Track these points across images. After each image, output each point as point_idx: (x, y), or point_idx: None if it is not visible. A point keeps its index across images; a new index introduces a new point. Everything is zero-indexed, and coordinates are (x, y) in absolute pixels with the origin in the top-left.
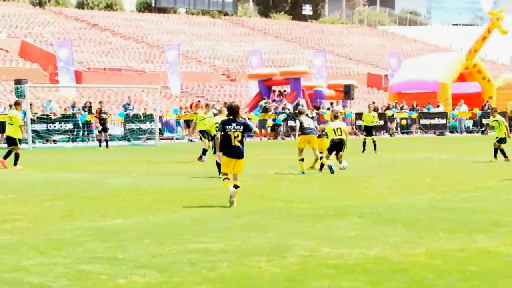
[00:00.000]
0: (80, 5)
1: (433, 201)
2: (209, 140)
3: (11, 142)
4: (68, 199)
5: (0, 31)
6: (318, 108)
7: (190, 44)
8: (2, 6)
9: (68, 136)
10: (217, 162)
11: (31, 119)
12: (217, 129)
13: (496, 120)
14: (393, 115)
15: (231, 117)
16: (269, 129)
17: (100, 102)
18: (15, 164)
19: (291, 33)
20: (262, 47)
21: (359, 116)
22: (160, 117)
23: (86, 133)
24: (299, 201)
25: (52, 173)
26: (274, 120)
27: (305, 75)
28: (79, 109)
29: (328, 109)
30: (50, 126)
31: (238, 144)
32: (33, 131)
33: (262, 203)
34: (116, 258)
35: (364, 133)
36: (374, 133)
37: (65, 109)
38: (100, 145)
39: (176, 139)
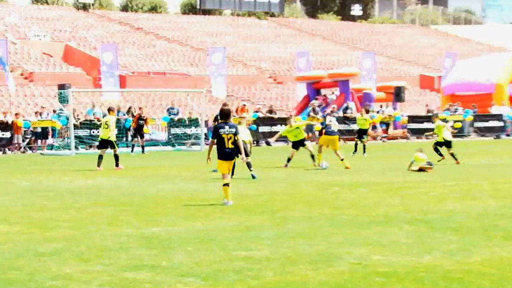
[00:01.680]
0: (124, 8)
1: (489, 208)
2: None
3: (106, 144)
4: (111, 205)
5: (44, 35)
6: (367, 111)
7: (236, 47)
8: (46, 10)
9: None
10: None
11: (74, 125)
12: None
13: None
14: (445, 118)
15: (223, 121)
16: (317, 133)
17: (140, 108)
18: (117, 165)
19: (339, 34)
20: (310, 48)
21: (411, 119)
22: (206, 122)
23: (130, 138)
24: (348, 208)
25: (94, 180)
26: (322, 124)
27: (354, 77)
28: (123, 114)
29: (378, 112)
30: (93, 132)
31: (232, 146)
32: (76, 137)
33: (310, 210)
34: (160, 266)
35: (356, 136)
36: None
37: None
38: (132, 151)
39: None
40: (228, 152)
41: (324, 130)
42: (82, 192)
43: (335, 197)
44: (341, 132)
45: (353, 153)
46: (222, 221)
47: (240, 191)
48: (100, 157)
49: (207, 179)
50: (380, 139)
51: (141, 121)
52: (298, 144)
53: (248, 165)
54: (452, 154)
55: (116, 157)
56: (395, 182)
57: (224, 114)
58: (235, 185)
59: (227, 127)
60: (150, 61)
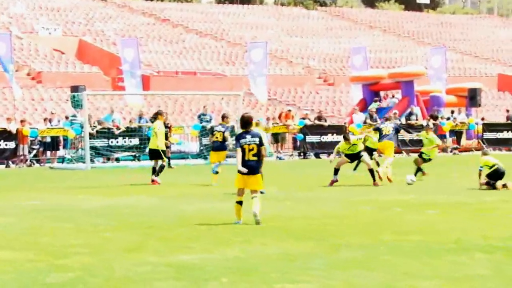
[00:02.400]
0: None
1: None
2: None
3: (155, 155)
4: (133, 229)
5: (54, 28)
6: (435, 118)
7: (280, 42)
8: None
9: (133, 153)
10: None
11: (90, 134)
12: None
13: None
14: None
15: (244, 130)
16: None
17: (163, 114)
18: (155, 176)
19: (402, 26)
20: (367, 43)
21: (488, 127)
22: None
23: None
24: (413, 233)
25: (114, 199)
26: (376, 129)
27: (419, 77)
28: (146, 121)
29: (448, 118)
30: (111, 142)
31: (254, 158)
32: (91, 148)
33: (368, 235)
34: None
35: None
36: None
37: (130, 121)
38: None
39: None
40: (248, 165)
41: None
42: (98, 213)
43: (398, 220)
44: (404, 143)
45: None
46: (263, 247)
47: (285, 212)
48: (154, 169)
49: (245, 197)
50: (451, 151)
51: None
52: (353, 157)
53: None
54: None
55: (160, 168)
56: (469, 202)
57: (245, 122)
58: (279, 206)
59: (248, 137)
60: (178, 58)
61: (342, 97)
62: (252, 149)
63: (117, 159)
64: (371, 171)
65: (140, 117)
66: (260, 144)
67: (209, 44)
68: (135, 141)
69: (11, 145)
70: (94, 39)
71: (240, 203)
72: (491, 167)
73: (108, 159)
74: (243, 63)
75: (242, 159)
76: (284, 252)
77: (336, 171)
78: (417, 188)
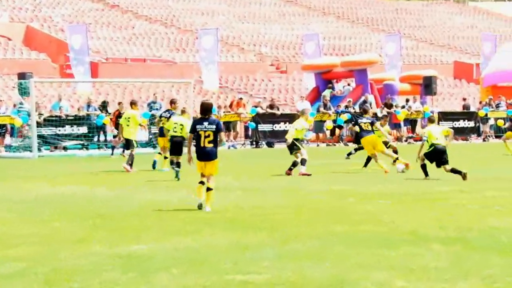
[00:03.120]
0: None
1: None
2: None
3: (129, 144)
4: (82, 219)
5: (0, 14)
6: (390, 106)
7: (231, 28)
8: None
9: (81, 142)
10: (176, 162)
11: (37, 122)
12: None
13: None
14: (486, 114)
15: (202, 116)
16: (328, 132)
17: (120, 103)
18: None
19: (356, 13)
20: (320, 30)
21: (444, 116)
22: (194, 118)
23: (104, 138)
24: (367, 223)
25: (62, 188)
26: (334, 121)
27: (373, 65)
28: (95, 109)
29: (403, 107)
30: (59, 130)
31: (209, 145)
32: (39, 136)
33: (319, 225)
34: None
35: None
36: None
37: (78, 109)
38: (112, 153)
39: None
40: (203, 152)
41: (358, 133)
42: (46, 203)
43: (351, 210)
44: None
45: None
46: (214, 238)
47: (236, 203)
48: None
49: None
50: (405, 141)
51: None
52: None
53: (173, 162)
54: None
55: (131, 157)
56: (423, 192)
57: (204, 109)
58: (230, 196)
59: (206, 123)
60: (127, 45)
61: (295, 85)
62: (208, 136)
63: (65, 148)
64: (300, 162)
65: (89, 105)
66: (217, 130)
67: (159, 30)
68: (83, 129)
69: None
70: (41, 25)
71: (202, 183)
72: (430, 146)
73: (56, 147)
74: (194, 50)
75: (198, 146)
76: (235, 243)
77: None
78: (369, 178)
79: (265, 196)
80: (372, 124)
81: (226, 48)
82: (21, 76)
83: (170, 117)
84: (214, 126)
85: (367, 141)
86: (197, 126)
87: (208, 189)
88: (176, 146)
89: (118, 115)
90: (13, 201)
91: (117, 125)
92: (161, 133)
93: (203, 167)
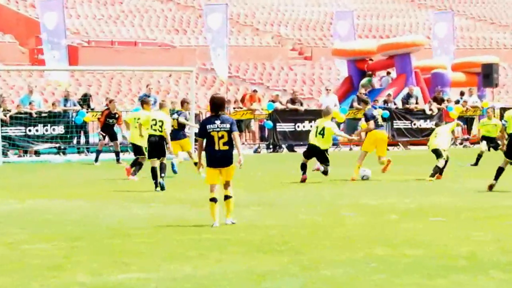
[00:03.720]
0: None
1: None
2: None
3: (138, 151)
4: (56, 241)
5: None
6: (440, 101)
7: (243, 4)
8: None
9: (57, 145)
10: (153, 168)
11: (2, 120)
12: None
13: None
14: None
15: (213, 114)
16: (363, 134)
17: (111, 101)
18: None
19: None
20: (355, 7)
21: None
22: (197, 116)
23: (84, 140)
24: (413, 246)
25: (33, 202)
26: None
27: (418, 50)
28: (74, 104)
29: (457, 102)
30: (30, 130)
31: (225, 147)
32: (4, 137)
33: (354, 248)
34: None
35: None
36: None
37: (53, 104)
38: (96, 160)
39: None
40: (218, 156)
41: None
42: (12, 220)
43: (393, 229)
44: (400, 132)
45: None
46: (222, 264)
47: (251, 220)
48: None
49: (200, 200)
50: (460, 143)
51: (111, 120)
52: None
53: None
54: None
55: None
56: (481, 207)
57: (216, 104)
58: (243, 212)
59: (218, 122)
60: (114, 25)
61: (322, 75)
62: (222, 137)
63: (37, 153)
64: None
65: (66, 99)
66: (232, 130)
67: (153, 6)
68: (60, 129)
69: None
70: (7, 0)
71: (214, 200)
72: (509, 136)
73: (26, 152)
74: (197, 31)
75: (212, 149)
76: (249, 270)
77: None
78: (416, 190)
79: (285, 213)
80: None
81: (237, 29)
82: None
83: (178, 117)
84: (228, 125)
85: (375, 136)
86: (208, 127)
87: (227, 197)
88: (154, 147)
89: (108, 115)
90: None
91: (106, 126)
92: (173, 136)
93: (215, 175)
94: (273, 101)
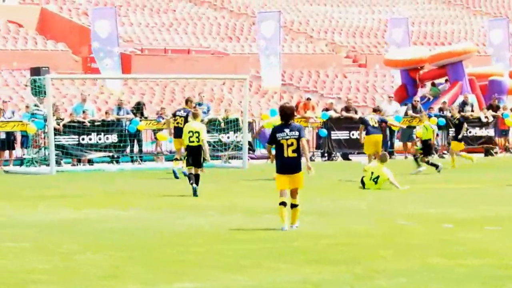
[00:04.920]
0: None
1: None
2: None
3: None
4: (109, 250)
5: None
6: (496, 109)
7: (297, 11)
8: None
9: (110, 153)
10: (189, 174)
11: (55, 129)
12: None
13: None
14: None
15: (283, 122)
16: (419, 143)
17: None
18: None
19: None
20: (409, 14)
21: None
22: (250, 124)
23: (138, 148)
24: (470, 256)
25: (86, 211)
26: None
27: (469, 57)
28: (127, 112)
29: None
30: (83, 139)
31: (293, 154)
32: (57, 146)
33: (410, 258)
34: None
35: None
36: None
37: (106, 113)
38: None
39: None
40: (286, 163)
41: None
42: (65, 229)
43: (450, 238)
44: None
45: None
46: (276, 273)
47: (305, 229)
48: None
49: (254, 209)
50: None
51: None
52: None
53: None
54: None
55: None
56: None
57: (286, 113)
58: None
59: (287, 130)
60: (167, 33)
61: (377, 82)
62: (292, 144)
63: (90, 161)
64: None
65: (119, 108)
66: (300, 136)
67: (206, 14)
68: (113, 138)
69: None
70: (60, 8)
71: (283, 204)
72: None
73: (79, 161)
74: (250, 38)
75: (281, 156)
76: (303, 280)
77: None
78: (473, 198)
79: (341, 222)
80: (381, 122)
81: (291, 36)
82: (35, 71)
83: (187, 116)
84: (297, 133)
85: (371, 140)
86: (278, 135)
87: (294, 205)
88: (193, 156)
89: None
90: (26, 226)
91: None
92: (177, 133)
93: (285, 182)
94: (327, 109)
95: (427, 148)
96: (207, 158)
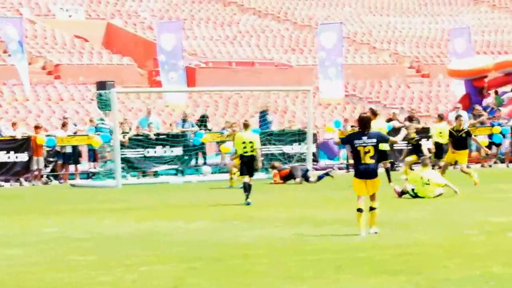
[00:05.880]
0: None
1: None
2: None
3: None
4: (175, 262)
5: (76, 9)
6: None
7: (360, 22)
8: None
9: (175, 166)
10: (244, 184)
11: (121, 142)
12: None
13: None
14: None
15: (360, 130)
16: (482, 151)
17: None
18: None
19: None
20: (472, 23)
21: None
22: (314, 135)
23: (203, 161)
24: None
25: (151, 223)
26: (490, 136)
27: None
28: (192, 125)
29: None
30: (148, 152)
31: (371, 161)
32: (123, 159)
33: (474, 267)
34: None
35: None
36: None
37: (170, 125)
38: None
39: (339, 169)
40: (364, 169)
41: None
42: (131, 242)
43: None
44: None
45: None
46: (339, 284)
47: (370, 238)
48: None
49: (318, 220)
50: None
51: None
52: None
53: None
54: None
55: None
56: None
57: (363, 122)
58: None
59: (364, 138)
60: (231, 45)
61: (440, 92)
62: (369, 151)
63: (155, 174)
64: None
65: (184, 121)
66: (378, 142)
67: (270, 26)
68: (178, 150)
69: (23, 157)
70: (125, 22)
71: (360, 210)
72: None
73: (144, 173)
74: (314, 50)
75: (359, 163)
76: None
77: None
78: None
79: (405, 231)
80: None
81: (354, 47)
82: (101, 85)
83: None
84: (374, 140)
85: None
86: (355, 141)
87: (372, 208)
88: (247, 165)
89: None
90: (91, 239)
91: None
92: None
93: (363, 187)
94: (390, 120)
95: (439, 150)
96: (259, 167)
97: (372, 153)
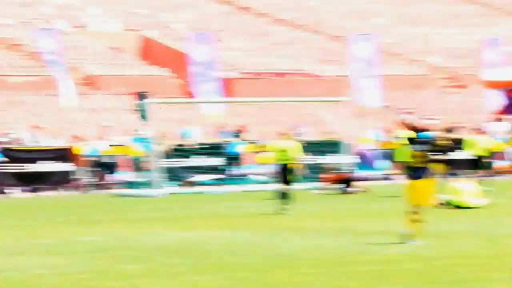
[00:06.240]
0: None
1: None
2: None
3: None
4: (222, 272)
5: (110, 21)
6: None
7: (394, 32)
8: None
9: (216, 176)
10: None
11: (161, 152)
12: None
13: None
14: None
15: (415, 138)
16: None
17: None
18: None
19: None
20: (507, 34)
21: None
22: (348, 146)
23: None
24: None
25: (195, 233)
26: None
27: None
28: (230, 135)
29: None
30: (188, 162)
31: (422, 165)
32: (164, 169)
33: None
34: None
35: None
36: None
37: (210, 136)
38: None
39: (376, 179)
40: (418, 174)
41: None
42: (176, 251)
43: None
44: None
45: None
46: None
47: (413, 251)
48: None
49: (362, 231)
50: None
51: None
52: None
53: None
54: None
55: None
56: None
57: (415, 130)
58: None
59: (417, 145)
60: (262, 56)
61: (474, 104)
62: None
63: (195, 183)
64: None
65: (223, 131)
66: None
67: (301, 37)
68: (217, 160)
69: (63, 167)
70: (160, 33)
71: (413, 219)
72: None
73: (185, 183)
74: (345, 60)
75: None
76: None
77: None
78: None
79: (449, 243)
80: None
81: (388, 58)
82: (140, 96)
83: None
84: (424, 147)
85: None
86: (411, 146)
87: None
88: (283, 174)
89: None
90: (135, 249)
91: None
92: None
93: (416, 193)
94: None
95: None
96: (298, 175)
97: (424, 158)
